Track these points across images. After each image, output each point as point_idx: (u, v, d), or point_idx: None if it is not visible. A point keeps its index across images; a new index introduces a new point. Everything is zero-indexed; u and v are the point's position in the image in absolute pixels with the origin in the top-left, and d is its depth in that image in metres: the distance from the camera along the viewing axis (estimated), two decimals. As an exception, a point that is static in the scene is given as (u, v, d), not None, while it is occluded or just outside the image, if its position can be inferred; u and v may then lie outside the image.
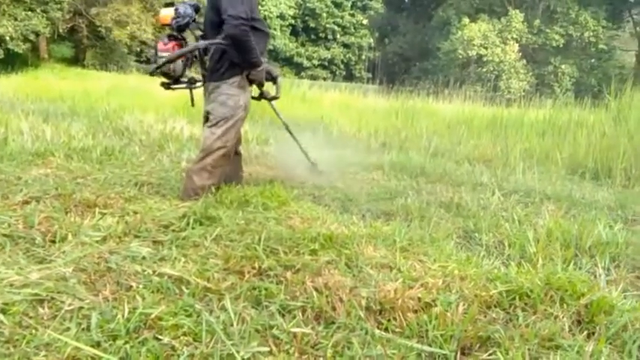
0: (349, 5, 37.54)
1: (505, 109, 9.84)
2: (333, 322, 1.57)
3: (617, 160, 4.75)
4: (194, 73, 3.30)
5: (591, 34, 26.77)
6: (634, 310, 1.72)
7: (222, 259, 1.95)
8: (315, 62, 36.59)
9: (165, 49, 3.04)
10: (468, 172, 4.83)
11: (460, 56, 26.41)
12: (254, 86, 3.28)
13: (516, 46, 26.31)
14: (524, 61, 26.67)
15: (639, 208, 3.58)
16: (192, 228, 2.32)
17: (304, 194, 3.56)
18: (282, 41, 33.62)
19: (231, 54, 2.95)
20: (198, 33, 3.21)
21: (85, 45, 22.21)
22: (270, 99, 3.54)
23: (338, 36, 37.29)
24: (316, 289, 1.75)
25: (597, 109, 7.91)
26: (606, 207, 3.62)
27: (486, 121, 7.97)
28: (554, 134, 6.59)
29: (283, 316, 1.58)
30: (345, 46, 37.76)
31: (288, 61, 34.98)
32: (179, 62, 3.06)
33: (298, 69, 35.52)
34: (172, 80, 3.15)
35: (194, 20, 3.14)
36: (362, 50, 38.65)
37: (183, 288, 1.68)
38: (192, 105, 3.34)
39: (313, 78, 31.09)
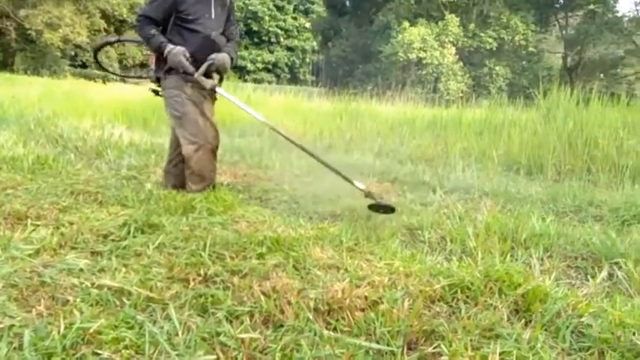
0: (291, 9, 37.66)
1: (444, 110, 10.20)
2: (282, 325, 1.56)
3: (548, 156, 5.04)
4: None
5: (521, 37, 28.24)
6: (566, 297, 1.82)
7: (165, 268, 1.89)
8: (259, 65, 36.41)
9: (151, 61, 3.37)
10: (411, 172, 4.96)
11: (401, 59, 27.10)
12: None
13: (453, 49, 27.34)
14: (461, 64, 27.76)
15: (569, 200, 3.80)
16: (134, 237, 2.24)
17: (251, 198, 3.53)
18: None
19: (151, 51, 3.23)
20: None
21: (13, 49, 21.00)
22: (210, 89, 3.38)
23: (281, 39, 37.33)
24: (264, 293, 1.73)
25: (529, 108, 8.34)
26: (539, 201, 3.82)
27: (427, 121, 8.22)
28: (491, 133, 6.88)
29: (231, 322, 1.56)
30: (289, 49, 37.86)
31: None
32: (153, 69, 3.30)
33: (242, 72, 35.24)
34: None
35: None
36: (306, 53, 38.88)
37: (125, 299, 1.62)
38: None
39: (257, 81, 30.92)
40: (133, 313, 1.50)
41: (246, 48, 36.04)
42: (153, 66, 3.32)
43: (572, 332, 1.62)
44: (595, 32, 28.58)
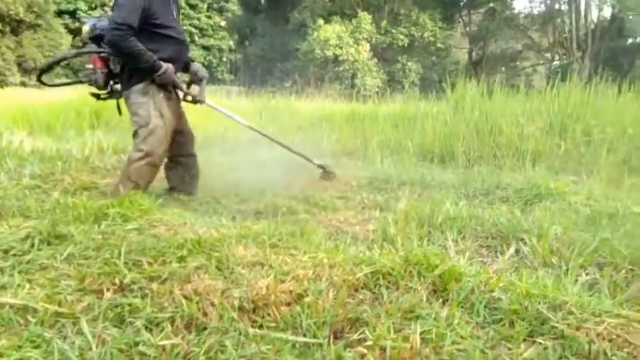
0: (205, 7, 36.74)
1: (362, 105, 10.46)
2: (205, 328, 1.52)
3: (458, 144, 5.33)
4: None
5: (430, 34, 29.59)
6: (479, 274, 1.93)
7: (75, 280, 1.77)
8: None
9: (92, 62, 3.19)
10: (333, 166, 5.03)
11: (318, 56, 27.37)
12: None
13: (368, 46, 28.06)
14: (376, 60, 28.58)
15: (478, 185, 4.05)
16: (39, 249, 2.06)
17: (171, 200, 3.40)
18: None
19: (129, 63, 3.02)
20: None
21: None
22: (193, 102, 3.38)
23: (196, 38, 36.31)
24: (185, 297, 1.67)
25: (440, 100, 8.78)
26: (452, 186, 4.03)
27: (346, 116, 8.38)
28: (405, 125, 7.17)
29: (150, 330, 1.49)
30: (205, 48, 36.93)
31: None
32: (99, 73, 3.17)
33: (156, 73, 33.78)
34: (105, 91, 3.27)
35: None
36: (222, 52, 38.12)
37: (29, 317, 1.49)
38: (120, 114, 3.38)
39: (173, 82, 29.75)
40: (39, 331, 1.39)
41: (158, 47, 34.67)
42: (99, 69, 3.17)
43: (486, 307, 1.72)
44: (495, 28, 30.62)
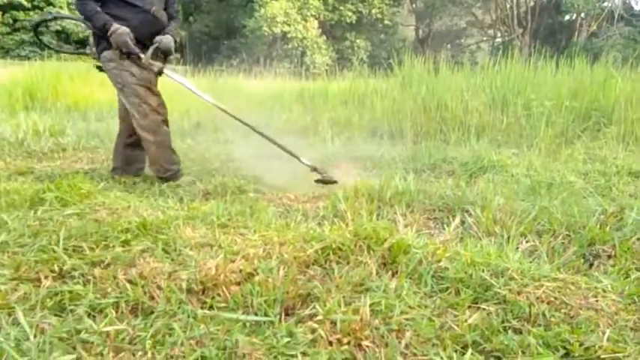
0: (145, -19, 35.07)
1: (312, 83, 10.38)
2: (152, 312, 1.47)
3: (407, 120, 5.41)
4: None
5: (377, 11, 29.68)
6: (426, 246, 1.98)
7: (10, 269, 1.67)
8: (115, 44, 33.55)
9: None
10: (283, 144, 4.98)
11: (266, 33, 26.90)
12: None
13: (316, 23, 27.83)
14: (325, 37, 28.42)
15: (426, 159, 4.14)
16: (-33, 240, 1.93)
17: (114, 184, 3.26)
18: (73, 26, 29.97)
19: (91, 27, 3.07)
20: None
21: None
22: (157, 73, 3.24)
23: (137, 14, 34.69)
24: (130, 282, 1.62)
25: (388, 78, 8.85)
26: (401, 162, 4.10)
27: (295, 94, 8.30)
28: (355, 102, 7.19)
29: (93, 317, 1.43)
30: (147, 25, 35.38)
31: (83, 44, 31.32)
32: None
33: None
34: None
35: None
36: (166, 29, 36.66)
37: (-42, 311, 1.39)
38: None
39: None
40: (-31, 325, 1.30)
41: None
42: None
43: (433, 276, 1.77)
44: (440, 5, 31.06)
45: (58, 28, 24.38)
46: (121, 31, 2.97)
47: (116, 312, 1.47)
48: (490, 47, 31.65)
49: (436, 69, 6.88)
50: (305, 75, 13.65)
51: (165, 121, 3.33)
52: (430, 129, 5.38)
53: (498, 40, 31.36)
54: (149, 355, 1.26)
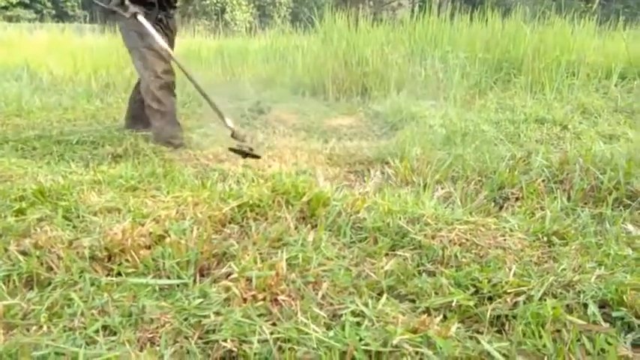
0: None
1: (232, 40, 9.97)
2: (50, 283, 1.35)
3: (328, 77, 5.34)
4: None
5: (299, -35, 28.87)
6: (345, 198, 1.97)
7: None
8: (13, 1, 30.17)
9: None
10: (200, 104, 4.76)
11: (182, -12, 25.41)
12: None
13: (235, -22, 26.62)
14: (245, -7, 27.34)
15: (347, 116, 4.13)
16: None
17: (10, 150, 2.95)
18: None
19: None
20: None
21: None
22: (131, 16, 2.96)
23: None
24: (23, 253, 1.47)
25: (310, 34, 8.68)
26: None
27: (214, 52, 7.93)
28: (277, 59, 7.00)
29: (-20, 294, 1.28)
30: (48, -22, 32.10)
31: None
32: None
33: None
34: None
35: None
36: (70, -17, 33.47)
37: None
38: None
39: (12, 20, 25.71)
40: None
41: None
42: None
43: (352, 227, 1.77)
44: (362, -39, 30.80)
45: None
46: None
47: (7, 286, 1.33)
48: (410, 3, 32.00)
49: (357, 25, 6.81)
50: (225, 32, 13.08)
51: (171, 90, 3.16)
52: (352, 84, 5.35)
53: (418, -4, 31.77)
54: (44, 328, 1.15)
